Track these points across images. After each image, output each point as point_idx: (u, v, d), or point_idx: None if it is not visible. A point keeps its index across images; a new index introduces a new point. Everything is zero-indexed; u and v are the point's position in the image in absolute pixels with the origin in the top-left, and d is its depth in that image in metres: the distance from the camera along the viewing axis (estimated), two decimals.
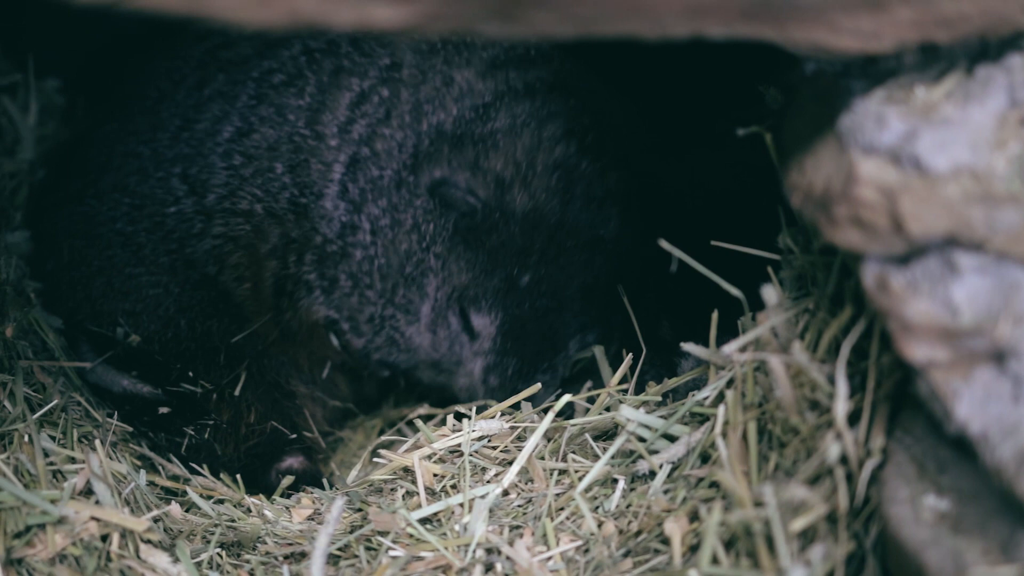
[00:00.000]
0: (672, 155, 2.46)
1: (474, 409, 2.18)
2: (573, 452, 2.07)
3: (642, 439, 1.98)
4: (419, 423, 2.18)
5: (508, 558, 1.88)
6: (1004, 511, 1.42)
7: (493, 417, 2.16)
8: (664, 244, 1.94)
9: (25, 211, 2.53)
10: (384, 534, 1.97)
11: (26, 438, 2.01)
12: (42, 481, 1.95)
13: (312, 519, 2.15)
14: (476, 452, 2.11)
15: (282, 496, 2.27)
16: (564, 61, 2.37)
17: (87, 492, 1.98)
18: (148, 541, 1.94)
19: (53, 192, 2.52)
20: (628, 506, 1.93)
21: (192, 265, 2.37)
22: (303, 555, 2.01)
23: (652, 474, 1.94)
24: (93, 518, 1.90)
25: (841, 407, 1.59)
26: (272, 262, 2.36)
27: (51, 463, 2.01)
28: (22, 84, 2.71)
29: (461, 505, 2.00)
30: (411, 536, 1.95)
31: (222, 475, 2.33)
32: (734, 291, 1.88)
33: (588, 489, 1.98)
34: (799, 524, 1.57)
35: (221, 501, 2.21)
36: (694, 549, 1.78)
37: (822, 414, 1.67)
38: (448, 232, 2.22)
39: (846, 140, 1.46)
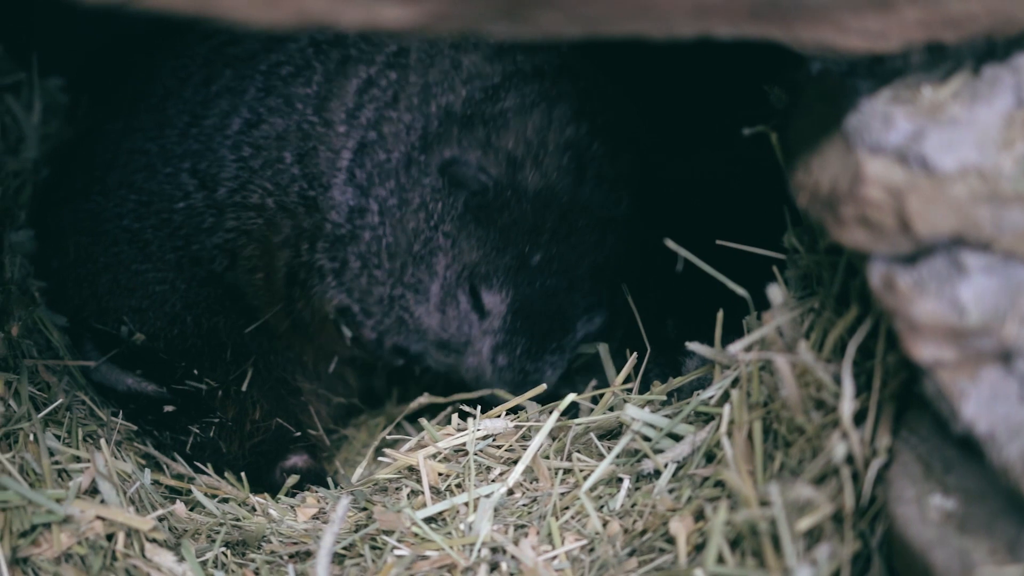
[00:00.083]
0: (677, 154, 2.46)
1: (479, 408, 2.17)
2: (578, 451, 2.07)
3: (647, 438, 1.98)
4: (424, 422, 2.17)
5: (513, 557, 1.88)
6: (1010, 511, 1.42)
7: (498, 416, 2.15)
8: (670, 243, 1.93)
9: (29, 210, 2.53)
10: (389, 533, 1.97)
11: (31, 437, 2.01)
12: (47, 480, 1.95)
13: (317, 518, 2.15)
14: (481, 451, 2.11)
15: (287, 495, 2.28)
16: (571, 48, 2.38)
17: (92, 491, 1.98)
18: (153, 540, 1.94)
19: (58, 190, 2.52)
20: (633, 505, 1.93)
21: (198, 262, 2.38)
22: (308, 554, 2.02)
23: (657, 473, 1.94)
24: (98, 517, 1.90)
25: (847, 406, 1.59)
26: (285, 252, 2.37)
27: (56, 462, 2.01)
28: (26, 83, 2.71)
29: (466, 504, 2.00)
30: (416, 535, 1.95)
31: (226, 474, 2.33)
32: (740, 290, 1.88)
33: (593, 488, 1.98)
34: (805, 523, 1.57)
35: (226, 500, 2.21)
36: (699, 548, 1.78)
37: (827, 413, 1.67)
38: (457, 211, 2.22)
39: (853, 140, 1.46)
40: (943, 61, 1.50)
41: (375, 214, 2.28)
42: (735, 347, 1.84)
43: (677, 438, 1.96)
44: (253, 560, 2.00)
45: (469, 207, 2.22)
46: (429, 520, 2.00)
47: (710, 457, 1.90)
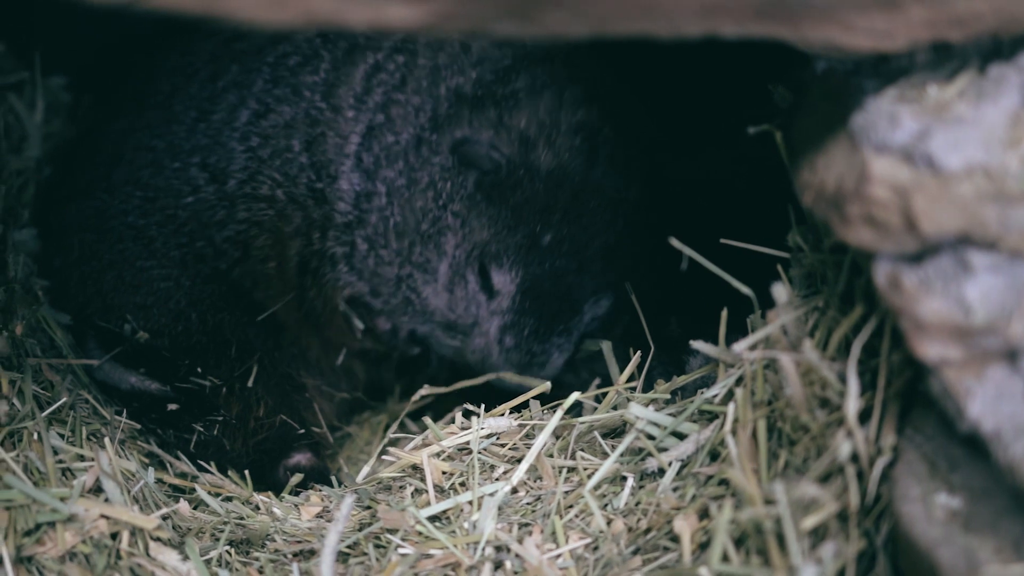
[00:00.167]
0: (681, 153, 2.46)
1: (483, 406, 2.17)
2: (582, 450, 2.07)
3: (651, 437, 1.98)
4: (428, 421, 2.18)
5: (517, 556, 1.88)
6: (1016, 509, 1.42)
7: (502, 415, 2.16)
8: (675, 242, 1.94)
9: (32, 209, 2.53)
10: (393, 532, 1.97)
11: (35, 436, 2.01)
12: (52, 479, 1.95)
13: (321, 517, 2.15)
14: (485, 450, 2.11)
15: (291, 493, 2.28)
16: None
17: (96, 490, 1.98)
18: (158, 539, 1.95)
19: (61, 188, 2.52)
20: (637, 504, 1.93)
21: (203, 258, 2.38)
22: (312, 553, 2.02)
23: (661, 472, 1.95)
24: (103, 516, 1.90)
25: (852, 405, 1.59)
26: (296, 241, 2.38)
27: (60, 461, 2.01)
28: (28, 82, 2.71)
29: (470, 503, 2.00)
30: (420, 534, 1.95)
31: (230, 472, 2.33)
32: (744, 289, 1.88)
33: (597, 487, 1.98)
34: (810, 522, 1.57)
35: (229, 499, 2.21)
36: (703, 547, 1.79)
37: (832, 412, 1.68)
38: (467, 190, 2.22)
39: (858, 139, 1.46)
40: (948, 60, 1.50)
41: (382, 196, 2.28)
42: (740, 346, 1.84)
43: (681, 436, 1.96)
44: (257, 559, 2.01)
45: (480, 186, 2.22)
46: (433, 519, 2.00)
47: (714, 455, 1.90)
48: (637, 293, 2.29)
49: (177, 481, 2.25)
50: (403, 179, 2.26)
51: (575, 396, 2.09)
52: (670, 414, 1.99)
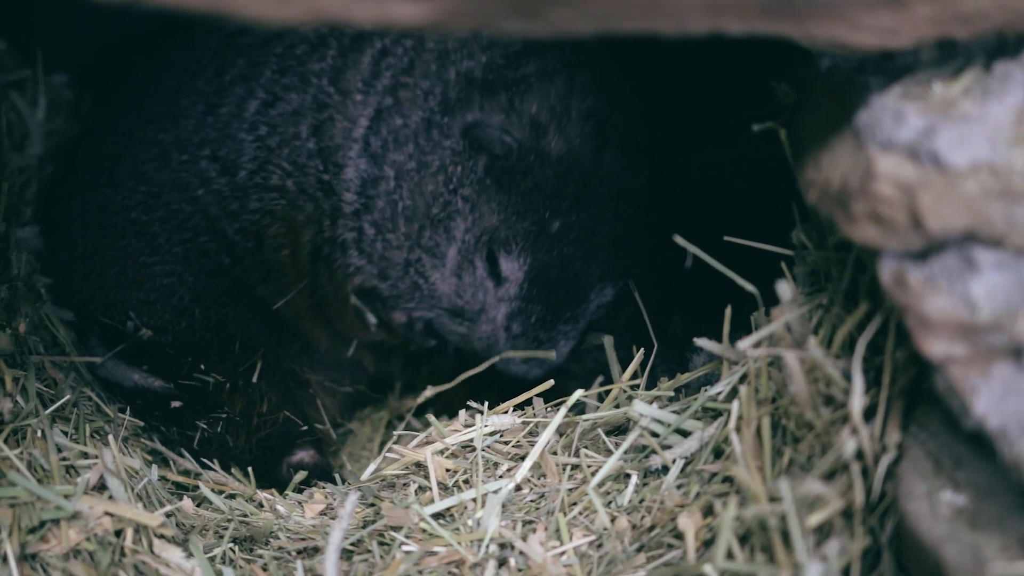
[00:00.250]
0: (682, 151, 2.46)
1: (487, 404, 2.17)
2: (585, 447, 2.07)
3: (655, 434, 1.98)
4: (431, 418, 2.18)
5: (521, 553, 1.88)
6: (1022, 507, 1.42)
7: (505, 412, 2.16)
8: (679, 240, 1.94)
9: (35, 206, 2.53)
10: (397, 529, 1.97)
11: (39, 433, 2.01)
12: (55, 476, 1.95)
13: (324, 514, 2.15)
14: (488, 447, 2.11)
15: (294, 491, 2.28)
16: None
17: (100, 487, 1.98)
18: (162, 536, 1.95)
19: (64, 185, 2.52)
20: (641, 501, 1.94)
21: (206, 254, 2.39)
22: (316, 550, 2.02)
23: (665, 469, 1.95)
24: (107, 513, 1.90)
25: (857, 402, 1.59)
26: (309, 229, 2.38)
27: (64, 458, 2.02)
28: (31, 79, 2.71)
29: (474, 500, 2.00)
30: (424, 531, 1.96)
31: (233, 470, 2.33)
32: (749, 287, 1.88)
33: (601, 484, 1.98)
34: (815, 519, 1.57)
35: (233, 496, 2.21)
36: (708, 544, 1.79)
37: (836, 409, 1.68)
38: (478, 175, 2.22)
39: (864, 136, 1.46)
40: (953, 57, 1.50)
41: (390, 180, 2.27)
42: (744, 343, 1.84)
43: (685, 434, 1.96)
44: (261, 556, 2.01)
45: (491, 171, 2.21)
46: (437, 516, 2.00)
47: (718, 453, 1.90)
48: (640, 290, 2.29)
49: (180, 479, 2.25)
50: (413, 162, 2.25)
51: (579, 394, 2.09)
52: (674, 411, 1.99)
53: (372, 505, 2.08)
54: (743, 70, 2.12)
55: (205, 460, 2.32)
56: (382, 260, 2.32)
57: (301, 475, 2.28)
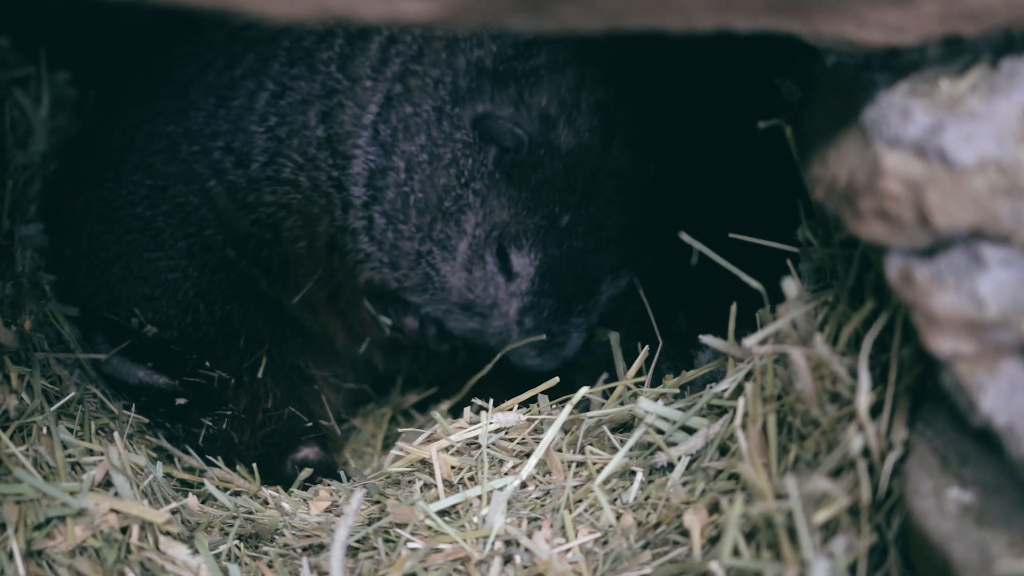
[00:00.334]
0: (685, 149, 2.46)
1: (491, 401, 2.17)
2: (590, 444, 2.07)
3: (660, 431, 1.98)
4: (436, 415, 2.18)
5: (527, 550, 1.88)
6: None
7: (510, 409, 2.16)
8: (685, 237, 1.94)
9: (39, 203, 2.53)
10: (403, 526, 1.97)
11: (44, 430, 2.01)
12: (61, 473, 1.95)
13: (330, 511, 2.15)
14: (493, 444, 2.11)
15: (299, 488, 2.28)
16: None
17: (106, 484, 1.98)
18: (167, 533, 1.95)
19: (68, 181, 2.52)
20: (647, 498, 1.94)
21: (210, 248, 2.39)
22: (321, 547, 2.02)
23: (670, 466, 1.95)
24: (113, 510, 1.90)
25: (864, 399, 1.59)
26: (324, 220, 2.38)
27: (70, 455, 2.02)
28: (34, 76, 2.71)
29: (479, 497, 2.00)
30: (429, 528, 1.95)
31: (238, 467, 2.33)
32: (755, 284, 1.88)
33: (606, 481, 1.98)
34: (822, 516, 1.57)
35: (238, 493, 2.21)
36: (713, 541, 1.79)
37: (842, 407, 1.68)
38: (488, 167, 2.22)
39: (871, 133, 1.46)
40: (960, 54, 1.50)
41: (400, 171, 2.28)
42: (750, 340, 1.84)
43: (690, 431, 1.96)
44: (266, 553, 2.01)
45: (500, 164, 2.21)
46: (442, 513, 2.00)
47: (723, 450, 1.90)
48: (645, 287, 2.29)
49: (185, 476, 2.25)
50: (425, 154, 2.25)
51: (584, 391, 2.09)
52: (679, 409, 1.99)
53: (377, 502, 2.08)
54: (745, 67, 2.11)
55: (210, 457, 2.32)
56: (393, 249, 2.33)
57: (306, 472, 2.28)
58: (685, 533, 1.82)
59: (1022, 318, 1.38)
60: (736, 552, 1.67)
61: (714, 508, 1.82)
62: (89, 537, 1.87)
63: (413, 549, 1.92)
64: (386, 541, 1.98)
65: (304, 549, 2.02)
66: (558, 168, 2.19)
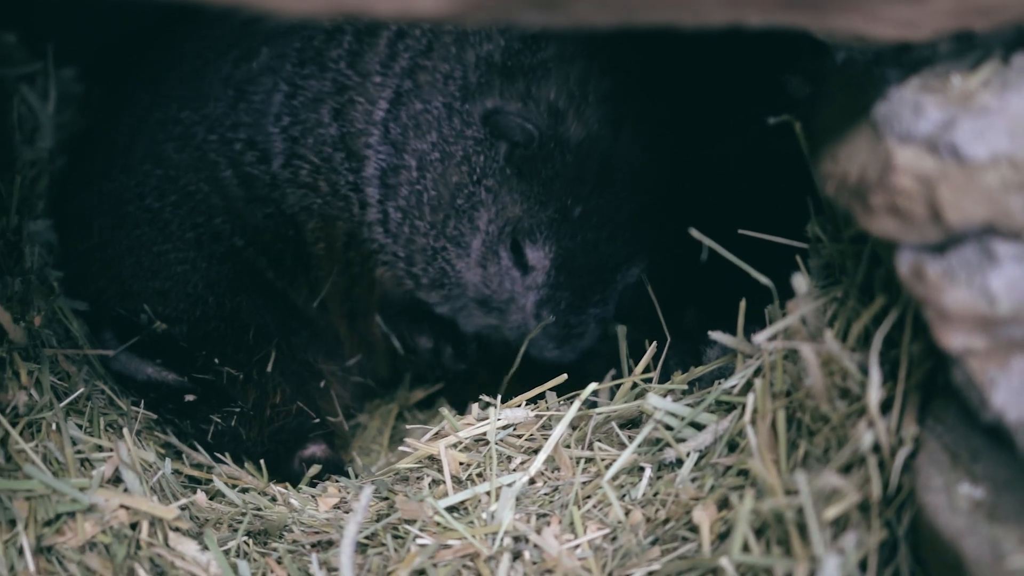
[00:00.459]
0: (695, 145, 2.46)
1: (499, 398, 2.17)
2: (599, 440, 2.07)
3: (669, 427, 1.98)
4: (444, 412, 2.18)
5: (536, 546, 1.88)
6: None
7: (518, 406, 2.16)
8: (694, 233, 1.93)
9: (47, 199, 2.53)
10: (411, 522, 1.97)
11: (54, 426, 2.01)
12: (71, 469, 1.95)
13: (338, 508, 2.15)
14: (501, 440, 2.11)
15: (307, 485, 2.28)
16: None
17: (115, 480, 1.98)
18: (177, 529, 1.95)
19: (77, 172, 2.52)
20: (655, 494, 1.94)
21: (218, 238, 2.39)
22: (330, 543, 2.02)
23: (679, 462, 1.94)
24: (122, 506, 1.91)
25: (874, 395, 1.59)
26: (343, 219, 2.39)
27: (79, 451, 2.02)
28: (41, 73, 2.71)
29: (488, 493, 2.00)
30: (438, 524, 1.96)
31: (246, 464, 2.33)
32: (764, 280, 1.88)
33: (615, 477, 1.98)
34: (833, 512, 1.57)
35: (246, 490, 2.21)
36: (722, 537, 1.79)
37: (852, 403, 1.68)
38: (499, 163, 2.22)
39: (882, 129, 1.46)
40: (971, 50, 1.50)
41: (412, 169, 2.28)
42: (760, 336, 1.83)
43: (699, 427, 1.96)
44: (275, 549, 2.01)
45: (511, 159, 2.22)
46: (451, 509, 1.99)
47: (732, 446, 1.90)
48: (654, 283, 2.29)
49: (193, 472, 2.25)
50: (437, 152, 2.26)
51: (592, 387, 2.09)
52: (688, 405, 1.99)
53: (386, 499, 2.08)
54: (753, 63, 2.11)
55: (217, 454, 2.32)
56: (409, 244, 2.33)
57: (315, 469, 2.28)
58: (694, 529, 1.82)
59: None
60: (746, 548, 1.67)
61: (723, 504, 1.82)
62: (99, 533, 1.87)
63: (422, 545, 1.92)
64: (395, 537, 1.98)
65: (313, 545, 2.02)
66: (568, 160, 2.19)
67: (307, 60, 2.35)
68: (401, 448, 2.20)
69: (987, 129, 1.40)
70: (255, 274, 2.41)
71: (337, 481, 2.27)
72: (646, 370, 2.13)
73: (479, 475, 2.07)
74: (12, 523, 1.84)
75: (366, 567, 1.92)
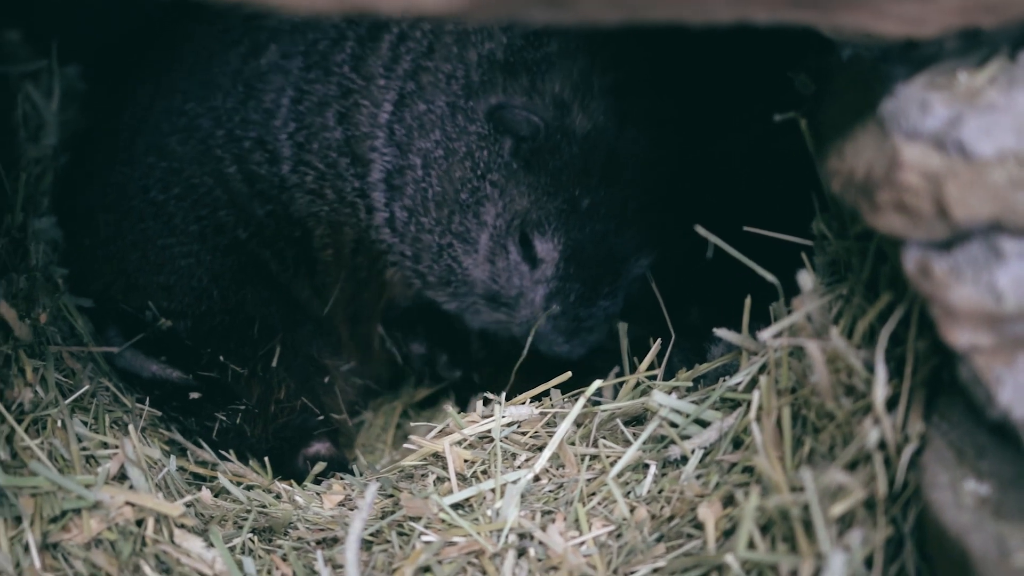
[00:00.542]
0: (699, 141, 2.46)
1: (503, 395, 2.17)
2: (604, 437, 2.07)
3: (674, 424, 1.98)
4: (449, 409, 2.18)
5: (541, 543, 1.89)
6: None
7: (523, 403, 2.16)
8: (700, 230, 1.93)
9: (51, 196, 2.53)
10: (416, 519, 1.98)
11: (59, 423, 2.01)
12: (76, 466, 1.96)
13: (343, 505, 2.15)
14: (506, 438, 2.11)
15: (312, 482, 2.28)
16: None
17: (121, 477, 1.99)
18: (182, 526, 1.95)
19: (80, 167, 2.52)
20: (660, 491, 1.94)
21: (222, 230, 2.40)
22: (335, 541, 2.02)
23: (684, 459, 1.95)
24: (128, 503, 1.91)
25: (880, 392, 1.59)
26: (350, 224, 2.40)
27: (84, 448, 2.02)
28: (45, 70, 2.71)
29: (493, 491, 2.00)
30: (443, 521, 1.96)
31: (250, 461, 2.33)
32: (770, 277, 1.88)
33: (620, 474, 1.98)
34: (839, 509, 1.57)
35: (251, 487, 2.22)
36: (727, 534, 1.79)
37: (858, 399, 1.68)
38: (504, 159, 2.23)
39: (889, 126, 1.46)
40: (978, 47, 1.49)
41: (417, 168, 2.29)
42: (765, 333, 1.83)
43: (704, 424, 1.96)
44: (280, 546, 2.01)
45: (518, 153, 2.22)
46: (456, 506, 2.00)
47: (737, 443, 1.91)
48: (658, 280, 2.29)
49: (198, 469, 2.26)
50: (440, 150, 2.26)
51: (597, 384, 2.09)
52: (693, 402, 1.99)
53: (391, 496, 2.09)
54: (757, 59, 2.11)
55: (222, 452, 2.32)
56: (415, 242, 2.34)
57: (320, 466, 2.29)
58: (699, 526, 1.82)
59: None
60: (751, 545, 1.67)
61: (728, 501, 1.82)
62: (104, 530, 1.87)
63: (427, 542, 1.92)
64: (400, 534, 1.98)
65: (318, 542, 2.03)
66: (575, 152, 2.20)
67: (313, 64, 2.35)
68: (406, 445, 2.20)
69: (994, 126, 1.39)
70: (259, 267, 2.42)
71: (342, 478, 2.27)
72: (650, 367, 2.14)
73: (484, 472, 2.07)
74: (18, 520, 1.84)
75: (371, 564, 1.92)
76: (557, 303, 2.27)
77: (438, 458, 2.13)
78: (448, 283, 2.35)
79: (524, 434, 2.13)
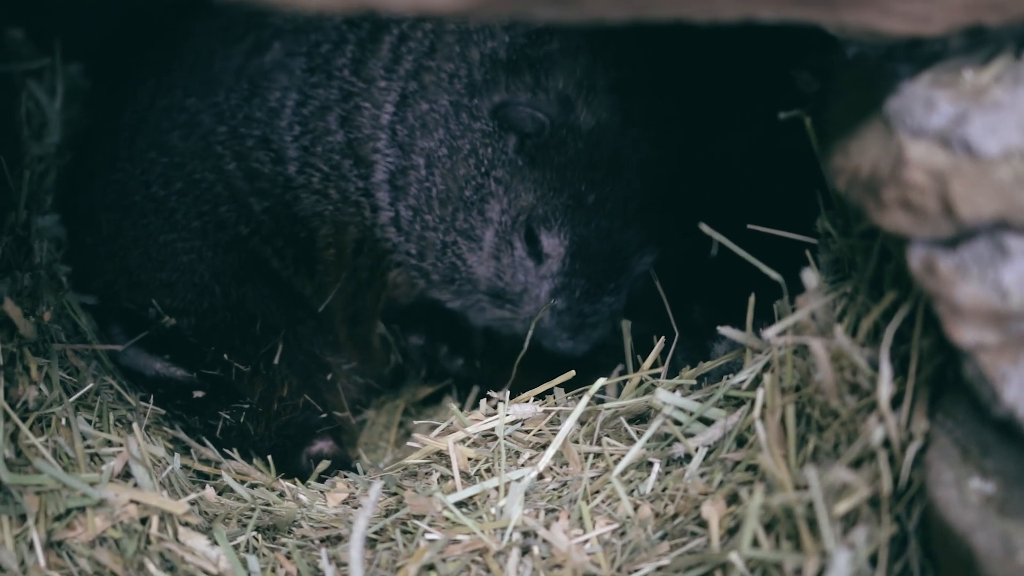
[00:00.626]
0: (702, 139, 2.46)
1: (507, 394, 2.18)
2: (607, 435, 2.07)
3: (677, 422, 1.98)
4: (452, 407, 2.18)
5: (545, 541, 1.89)
6: None
7: (527, 401, 2.16)
8: (704, 228, 1.94)
9: (55, 194, 2.53)
10: (420, 518, 1.98)
11: (63, 421, 2.01)
12: (81, 464, 1.96)
13: (347, 503, 2.16)
14: (510, 436, 2.11)
15: (315, 481, 2.28)
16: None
17: (125, 475, 1.99)
18: (187, 524, 1.95)
19: (83, 165, 2.52)
20: (664, 489, 1.94)
21: (223, 226, 2.39)
22: (339, 539, 2.02)
23: (688, 457, 1.95)
24: (132, 501, 1.91)
25: (885, 390, 1.59)
26: (354, 224, 2.41)
27: (89, 446, 2.02)
28: (48, 68, 2.71)
29: (496, 489, 2.00)
30: (447, 519, 1.96)
31: (254, 459, 2.33)
32: (774, 275, 1.88)
33: (624, 472, 1.98)
34: (843, 507, 1.57)
35: (255, 485, 2.22)
36: (731, 532, 1.79)
37: (862, 398, 1.68)
38: (508, 156, 2.23)
39: (894, 123, 1.46)
40: (983, 45, 1.50)
41: (420, 168, 2.29)
42: (770, 331, 1.84)
43: (707, 422, 1.97)
44: (284, 544, 2.01)
45: (522, 150, 2.23)
46: (460, 504, 2.00)
47: (741, 441, 1.91)
48: (661, 279, 2.29)
49: (202, 467, 2.26)
50: (444, 148, 2.26)
51: (601, 382, 2.09)
52: (696, 400, 1.99)
53: (394, 494, 2.09)
54: (760, 57, 2.11)
55: (225, 450, 2.32)
56: (420, 240, 2.34)
57: (324, 464, 2.29)
58: (703, 524, 1.82)
59: None
60: (755, 543, 1.67)
61: (732, 499, 1.82)
62: (109, 528, 1.88)
63: (431, 540, 1.92)
64: (404, 532, 1.98)
65: (322, 540, 2.03)
66: (580, 148, 2.20)
67: (315, 68, 2.36)
68: (409, 443, 2.20)
69: (999, 124, 1.40)
70: (260, 263, 2.42)
71: (346, 477, 2.27)
72: (654, 365, 2.14)
73: (487, 470, 2.07)
74: (22, 518, 1.84)
75: (375, 562, 1.92)
76: (562, 299, 2.27)
77: (442, 456, 2.13)
78: (452, 280, 2.35)
79: (528, 432, 2.13)
